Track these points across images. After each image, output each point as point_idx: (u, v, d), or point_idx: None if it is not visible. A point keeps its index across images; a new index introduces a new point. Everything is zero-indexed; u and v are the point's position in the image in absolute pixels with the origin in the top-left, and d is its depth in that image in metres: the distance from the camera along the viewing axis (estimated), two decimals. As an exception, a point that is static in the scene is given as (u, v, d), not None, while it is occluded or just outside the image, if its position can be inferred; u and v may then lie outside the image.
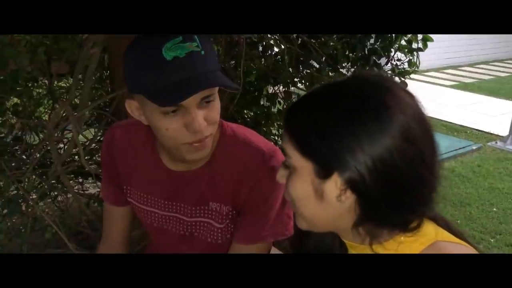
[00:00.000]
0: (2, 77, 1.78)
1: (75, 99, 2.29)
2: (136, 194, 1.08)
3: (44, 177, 2.18)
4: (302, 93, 2.74)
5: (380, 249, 0.70)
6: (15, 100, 2.31)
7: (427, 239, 0.69)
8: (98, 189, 2.51)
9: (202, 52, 0.84)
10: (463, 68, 9.31)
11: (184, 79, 0.82)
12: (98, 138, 2.49)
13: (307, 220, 0.74)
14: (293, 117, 0.71)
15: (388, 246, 0.70)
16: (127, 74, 0.88)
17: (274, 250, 1.26)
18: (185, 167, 1.00)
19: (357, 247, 0.74)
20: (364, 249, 0.72)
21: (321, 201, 0.68)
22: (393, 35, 2.49)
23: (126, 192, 1.10)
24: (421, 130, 0.66)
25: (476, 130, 5.36)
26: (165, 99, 0.82)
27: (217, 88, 0.89)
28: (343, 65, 2.62)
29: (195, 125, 0.86)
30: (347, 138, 0.64)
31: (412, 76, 2.65)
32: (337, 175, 0.65)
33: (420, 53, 2.58)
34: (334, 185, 0.66)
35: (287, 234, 1.02)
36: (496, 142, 4.94)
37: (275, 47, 2.70)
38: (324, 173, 0.66)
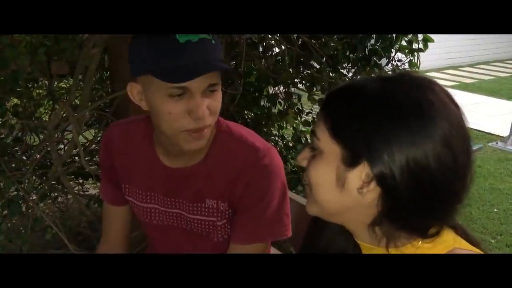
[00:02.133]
0: (2, 78, 1.78)
1: (75, 100, 2.28)
2: (135, 192, 1.08)
3: (44, 178, 2.18)
4: (303, 93, 2.75)
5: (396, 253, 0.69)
6: (15, 100, 2.31)
7: (445, 246, 0.68)
8: (98, 190, 2.51)
9: (213, 42, 0.87)
10: (463, 69, 9.29)
11: (196, 62, 0.84)
12: (98, 139, 2.49)
13: (319, 206, 0.72)
14: (334, 100, 0.70)
15: (405, 251, 0.69)
16: (134, 56, 0.89)
17: (274, 251, 1.25)
18: (182, 163, 1.00)
19: (371, 249, 0.72)
20: (379, 252, 0.70)
21: (341, 190, 0.67)
22: (394, 35, 2.48)
23: (125, 190, 1.09)
24: (461, 139, 0.65)
25: (477, 130, 5.35)
26: (176, 76, 0.84)
27: (220, 79, 0.91)
28: (344, 65, 2.62)
29: (199, 111, 0.86)
30: (386, 132, 0.63)
31: (413, 76, 2.64)
32: (365, 165, 0.64)
33: (420, 53, 2.58)
34: (358, 175, 0.65)
35: (286, 234, 1.02)
36: (497, 143, 4.93)
37: (275, 48, 2.70)
38: (352, 160, 0.65)
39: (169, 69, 0.84)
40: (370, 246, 0.72)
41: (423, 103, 0.64)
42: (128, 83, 0.94)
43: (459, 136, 0.65)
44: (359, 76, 2.55)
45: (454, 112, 0.66)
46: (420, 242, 0.68)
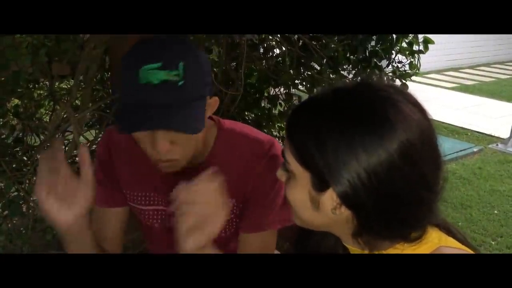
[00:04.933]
0: (3, 79, 1.78)
1: (76, 101, 2.29)
2: (137, 195, 1.07)
3: (45, 178, 2.17)
4: (303, 95, 2.75)
5: None
6: (16, 101, 2.31)
7: (429, 246, 0.68)
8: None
9: (180, 83, 0.82)
10: (464, 70, 9.31)
11: (144, 108, 0.82)
12: (99, 139, 2.49)
13: (303, 222, 0.75)
14: (295, 124, 0.70)
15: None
16: None
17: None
18: (186, 164, 1.00)
19: (358, 251, 0.73)
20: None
21: (318, 210, 0.68)
22: (394, 37, 2.49)
23: (126, 195, 1.09)
24: (425, 148, 0.63)
25: (477, 132, 5.36)
26: (119, 123, 0.85)
27: None
28: (344, 67, 2.62)
29: (158, 146, 0.86)
30: (344, 151, 0.62)
31: (413, 78, 2.66)
32: (332, 190, 0.65)
33: (421, 55, 2.58)
34: (330, 198, 0.66)
35: (292, 221, 1.03)
36: (497, 145, 4.93)
37: (276, 49, 2.70)
38: (320, 186, 0.66)
39: (123, 109, 0.85)
40: (357, 249, 0.73)
41: (378, 117, 0.62)
42: None
43: (422, 146, 0.63)
44: (359, 78, 2.55)
45: (415, 122, 0.63)
46: (404, 245, 0.69)
